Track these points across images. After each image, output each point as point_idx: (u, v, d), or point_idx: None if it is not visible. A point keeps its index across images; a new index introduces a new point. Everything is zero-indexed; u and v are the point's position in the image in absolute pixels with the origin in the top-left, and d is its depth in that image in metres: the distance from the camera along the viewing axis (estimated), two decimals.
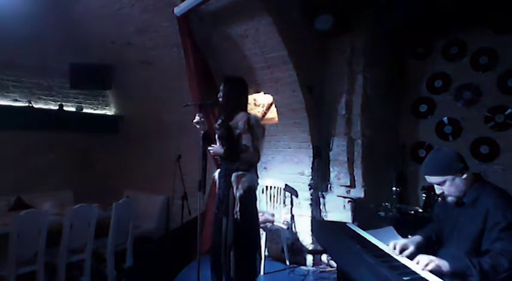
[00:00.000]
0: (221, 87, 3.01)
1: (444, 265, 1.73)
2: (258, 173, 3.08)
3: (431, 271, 1.70)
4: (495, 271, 1.65)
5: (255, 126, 2.84)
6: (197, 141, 3.05)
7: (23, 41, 4.80)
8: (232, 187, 2.82)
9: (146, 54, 4.91)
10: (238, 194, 2.79)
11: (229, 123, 2.88)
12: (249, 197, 2.85)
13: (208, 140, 3.05)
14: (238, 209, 2.77)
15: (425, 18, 4.22)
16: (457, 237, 2.00)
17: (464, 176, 1.93)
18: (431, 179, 2.03)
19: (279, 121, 4.43)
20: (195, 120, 3.02)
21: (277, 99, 4.33)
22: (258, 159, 2.95)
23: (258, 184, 2.98)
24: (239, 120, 2.83)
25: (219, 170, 3.07)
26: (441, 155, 2.05)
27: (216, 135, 3.03)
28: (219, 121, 3.02)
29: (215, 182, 3.13)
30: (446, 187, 1.97)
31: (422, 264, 1.73)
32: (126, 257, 4.01)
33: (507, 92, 3.89)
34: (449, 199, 2.00)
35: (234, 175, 2.83)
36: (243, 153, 2.80)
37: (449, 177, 1.95)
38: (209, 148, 2.99)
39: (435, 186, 2.03)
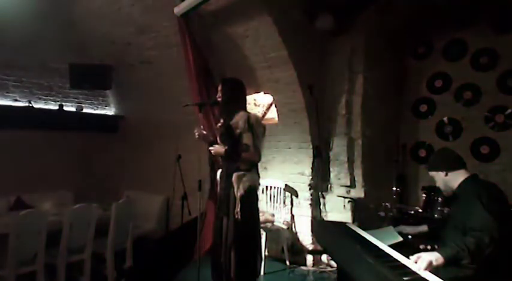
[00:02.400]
0: (219, 89, 3.02)
1: (436, 258, 1.79)
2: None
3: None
4: (480, 248, 1.81)
5: (256, 126, 2.84)
6: (197, 141, 3.05)
7: (23, 41, 4.80)
8: (233, 187, 2.81)
9: (146, 54, 4.91)
10: (239, 194, 2.78)
11: (229, 123, 2.88)
12: (250, 197, 2.84)
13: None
14: (238, 209, 2.76)
15: (425, 18, 4.22)
16: (451, 226, 2.19)
17: (452, 173, 2.20)
18: (430, 174, 2.35)
19: (279, 121, 4.43)
20: (196, 135, 3.02)
21: (277, 99, 4.33)
22: (259, 158, 2.94)
23: (259, 184, 2.96)
24: (239, 119, 2.82)
25: (220, 170, 3.07)
26: (436, 154, 2.49)
27: (217, 136, 3.04)
28: (221, 121, 3.02)
29: (217, 182, 3.12)
30: (437, 181, 2.29)
31: (417, 268, 1.78)
32: (126, 257, 4.01)
33: (507, 92, 3.89)
34: (444, 192, 2.30)
35: (234, 174, 2.82)
36: (244, 152, 2.79)
37: (437, 173, 2.26)
38: (210, 148, 2.98)
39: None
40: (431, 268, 1.76)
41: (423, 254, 1.81)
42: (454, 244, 1.87)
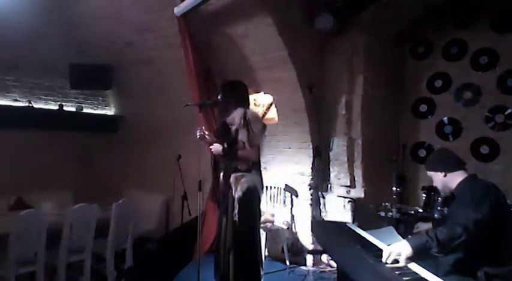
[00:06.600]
0: (220, 89, 3.00)
1: (404, 250, 1.78)
2: None
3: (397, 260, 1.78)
4: (451, 238, 1.81)
5: (252, 121, 2.74)
6: (197, 141, 3.05)
7: (23, 41, 4.80)
8: (231, 188, 2.74)
9: (146, 54, 4.91)
10: (236, 196, 2.70)
11: (224, 120, 2.81)
12: (250, 199, 2.73)
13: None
14: (236, 211, 2.68)
15: (425, 18, 4.22)
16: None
17: (451, 174, 2.18)
18: (428, 173, 2.33)
19: (279, 121, 4.44)
20: (197, 136, 2.97)
21: (277, 99, 4.33)
22: (257, 156, 2.87)
23: (262, 185, 2.86)
24: (235, 116, 2.75)
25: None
26: (436, 154, 2.49)
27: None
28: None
29: (220, 183, 3.09)
30: (435, 181, 2.27)
31: (384, 258, 1.79)
32: (126, 257, 4.01)
33: (507, 92, 3.88)
34: (442, 192, 2.30)
35: (232, 175, 2.75)
36: (240, 150, 2.72)
37: (436, 173, 2.24)
38: (211, 147, 2.95)
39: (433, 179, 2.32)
40: (405, 261, 1.76)
41: (393, 247, 1.80)
42: (423, 234, 1.88)
